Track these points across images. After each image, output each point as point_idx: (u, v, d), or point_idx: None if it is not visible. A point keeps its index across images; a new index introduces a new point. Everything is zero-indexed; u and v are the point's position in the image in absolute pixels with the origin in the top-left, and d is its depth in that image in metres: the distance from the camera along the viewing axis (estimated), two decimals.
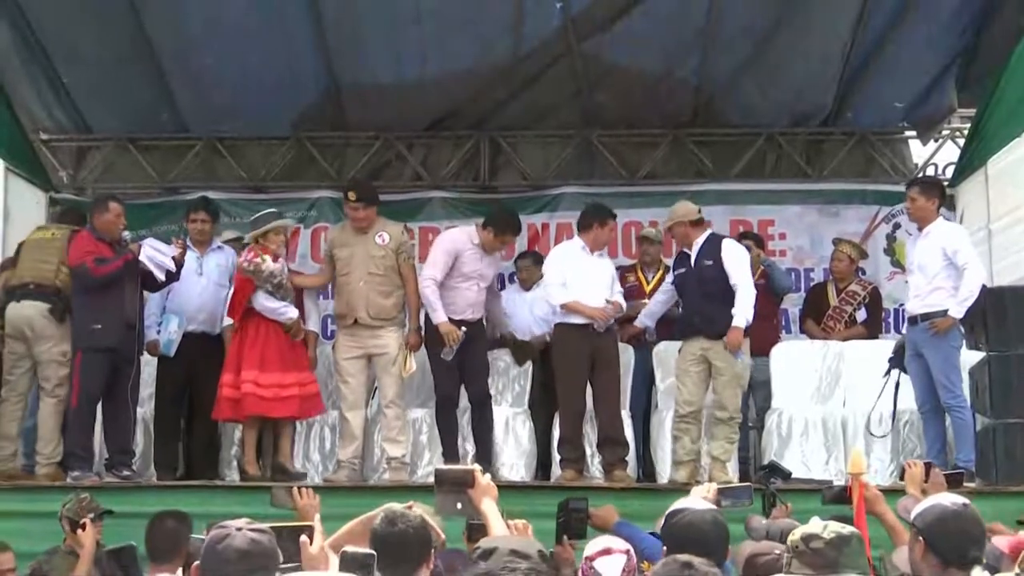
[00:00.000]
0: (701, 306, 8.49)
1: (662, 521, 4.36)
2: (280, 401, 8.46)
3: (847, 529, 3.75)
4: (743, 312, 8.31)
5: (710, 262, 8.49)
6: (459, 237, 9.01)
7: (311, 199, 11.69)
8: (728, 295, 8.38)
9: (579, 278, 8.69)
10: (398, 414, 8.71)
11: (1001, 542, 4.44)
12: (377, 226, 8.86)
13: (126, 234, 8.64)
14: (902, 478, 6.07)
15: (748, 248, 9.56)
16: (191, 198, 10.74)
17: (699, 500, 4.51)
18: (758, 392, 9.38)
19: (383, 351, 8.72)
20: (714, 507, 4.38)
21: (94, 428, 8.53)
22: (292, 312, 8.62)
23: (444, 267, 8.73)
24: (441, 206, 11.65)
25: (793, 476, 7.60)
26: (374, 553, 3.74)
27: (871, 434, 8.65)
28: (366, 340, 8.72)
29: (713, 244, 8.59)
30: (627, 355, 9.28)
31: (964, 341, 8.33)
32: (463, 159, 11.95)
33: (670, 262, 9.28)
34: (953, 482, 6.11)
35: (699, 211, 8.87)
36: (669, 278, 9.07)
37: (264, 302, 8.53)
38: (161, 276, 8.53)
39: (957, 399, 8.13)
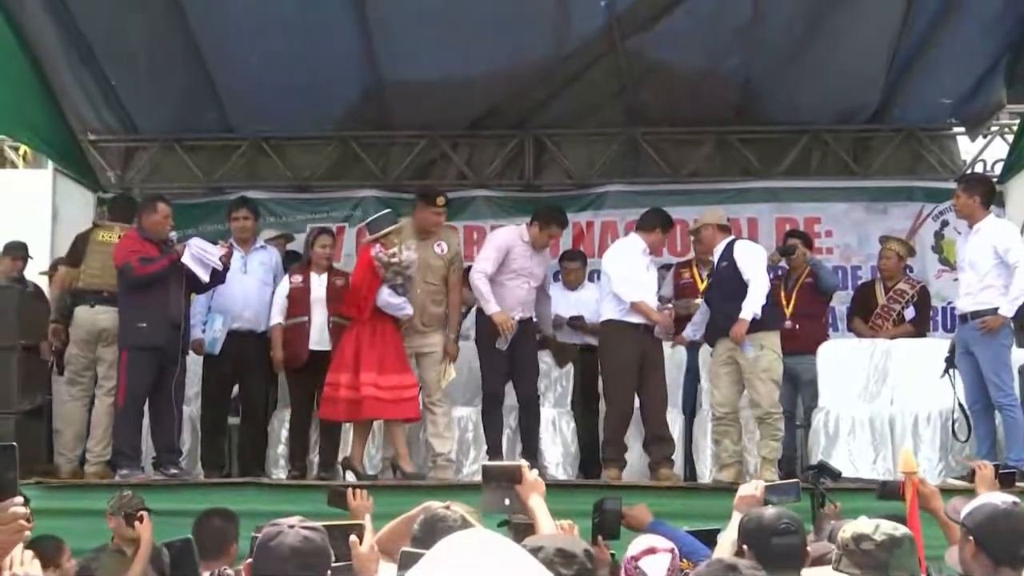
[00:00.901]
0: (722, 307, 8.50)
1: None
2: (400, 403, 8.39)
3: (899, 531, 3.69)
4: (750, 305, 8.26)
5: (725, 263, 8.52)
6: (510, 234, 9.06)
7: (356, 198, 11.72)
8: (744, 293, 8.35)
9: (641, 279, 8.72)
10: (445, 411, 8.75)
11: None
12: (437, 233, 8.90)
13: (173, 234, 8.72)
14: (972, 479, 6.00)
15: (794, 247, 9.54)
16: (234, 197, 10.88)
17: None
18: (806, 390, 9.32)
19: (432, 349, 8.77)
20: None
21: (141, 427, 8.60)
22: (409, 309, 8.60)
23: (495, 262, 8.76)
24: (485, 205, 11.66)
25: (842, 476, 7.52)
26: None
27: (957, 439, 8.54)
28: (413, 340, 8.76)
29: (729, 246, 8.59)
30: (680, 354, 9.30)
31: (1015, 339, 8.24)
32: (507, 158, 11.94)
33: None
34: (1006, 482, 6.04)
35: (727, 219, 8.97)
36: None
37: (388, 298, 8.45)
38: (205, 277, 8.58)
39: (1008, 397, 8.05)
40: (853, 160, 11.74)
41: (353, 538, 3.84)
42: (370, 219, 8.85)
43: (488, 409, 8.81)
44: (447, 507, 4.07)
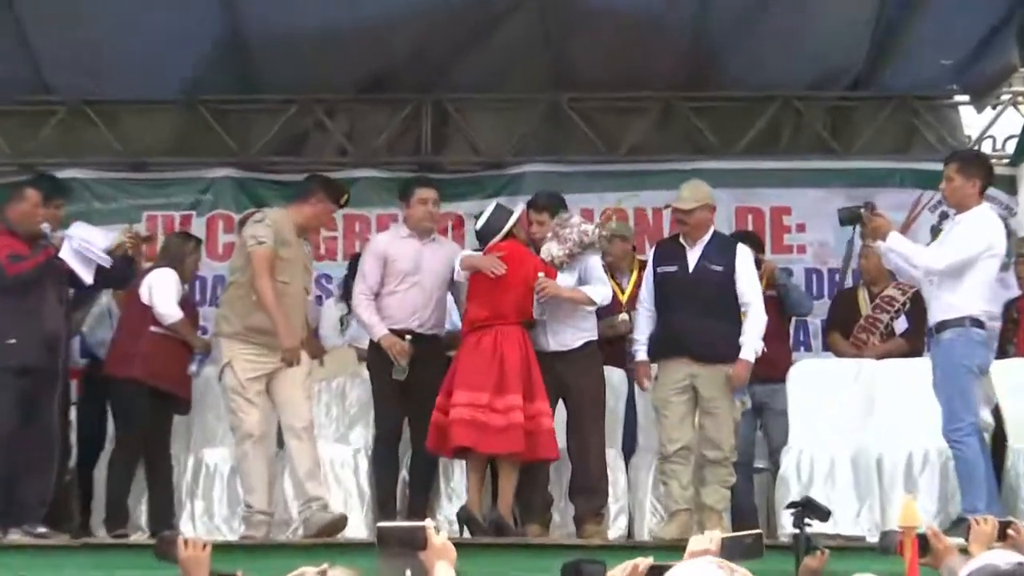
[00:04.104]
0: (697, 320, 8.49)
1: None
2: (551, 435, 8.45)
3: None
4: (753, 342, 8.40)
5: (719, 268, 8.54)
6: (382, 237, 9.42)
7: (206, 180, 11.76)
8: (732, 312, 8.49)
9: None
10: (312, 446, 8.69)
11: None
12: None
13: (46, 226, 8.67)
14: (967, 536, 6.14)
15: (759, 262, 9.65)
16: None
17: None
18: (773, 425, 9.49)
19: (304, 361, 8.73)
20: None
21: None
22: None
23: (375, 275, 8.93)
24: (371, 187, 11.60)
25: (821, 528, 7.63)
26: None
27: None
28: (272, 355, 8.64)
29: (725, 246, 8.66)
30: (621, 382, 9.37)
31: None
32: (399, 129, 11.99)
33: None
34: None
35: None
36: (645, 288, 8.92)
37: None
38: (88, 278, 8.59)
39: (956, 432, 8.10)
40: (831, 135, 11.91)
41: None
42: (480, 224, 8.78)
43: (381, 452, 8.89)
44: (322, 571, 4.19)
